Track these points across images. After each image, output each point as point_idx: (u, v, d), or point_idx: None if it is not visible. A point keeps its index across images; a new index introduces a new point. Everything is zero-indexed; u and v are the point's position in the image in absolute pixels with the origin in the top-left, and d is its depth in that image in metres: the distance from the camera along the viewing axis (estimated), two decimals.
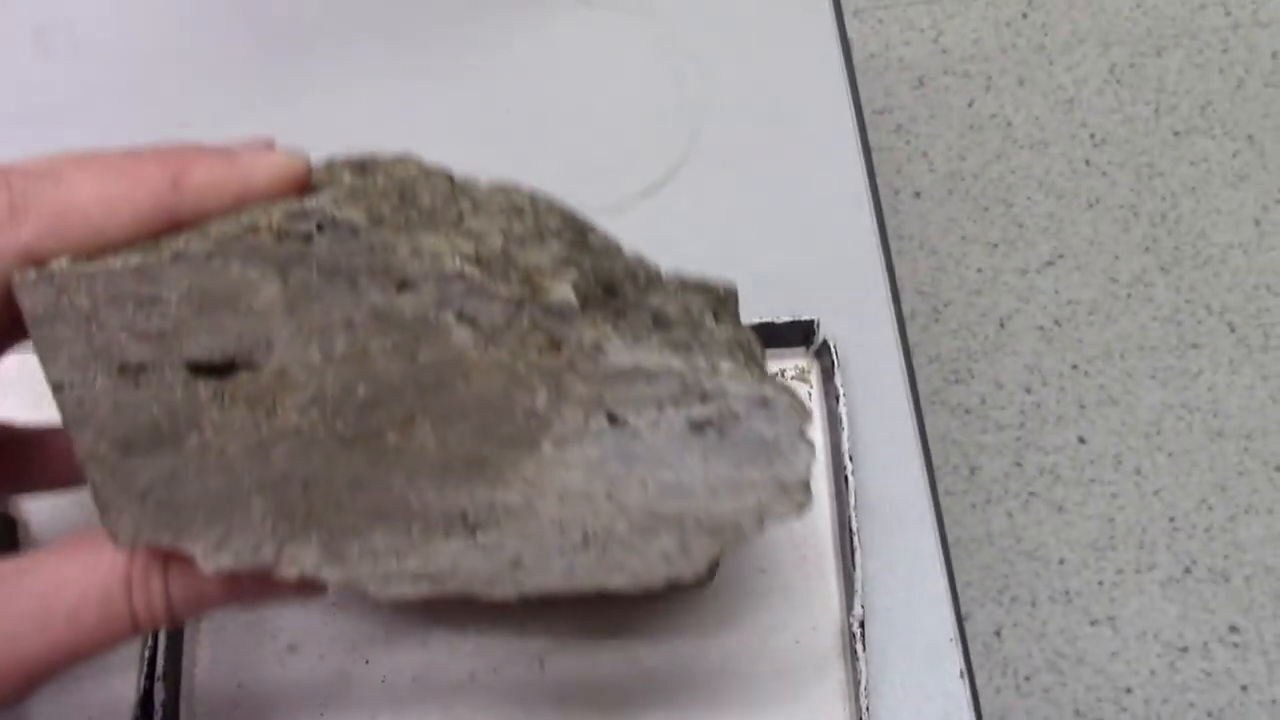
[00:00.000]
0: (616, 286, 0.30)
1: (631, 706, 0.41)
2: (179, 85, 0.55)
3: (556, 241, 0.29)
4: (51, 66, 0.55)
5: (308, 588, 0.29)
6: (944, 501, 1.14)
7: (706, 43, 0.54)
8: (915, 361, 1.26)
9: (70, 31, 0.56)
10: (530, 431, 0.28)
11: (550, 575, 0.30)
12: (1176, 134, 1.29)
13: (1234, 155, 1.28)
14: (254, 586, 0.28)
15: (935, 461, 1.18)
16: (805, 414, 0.29)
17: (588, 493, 0.29)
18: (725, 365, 0.28)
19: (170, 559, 0.27)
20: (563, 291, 0.27)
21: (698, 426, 0.28)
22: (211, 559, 0.28)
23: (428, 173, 0.30)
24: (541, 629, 0.42)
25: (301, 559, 0.29)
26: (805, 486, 0.30)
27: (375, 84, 0.54)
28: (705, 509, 0.30)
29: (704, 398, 0.28)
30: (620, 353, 0.27)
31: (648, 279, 0.32)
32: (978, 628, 1.11)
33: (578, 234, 0.31)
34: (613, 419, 0.28)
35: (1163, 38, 1.34)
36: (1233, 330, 1.21)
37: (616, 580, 0.30)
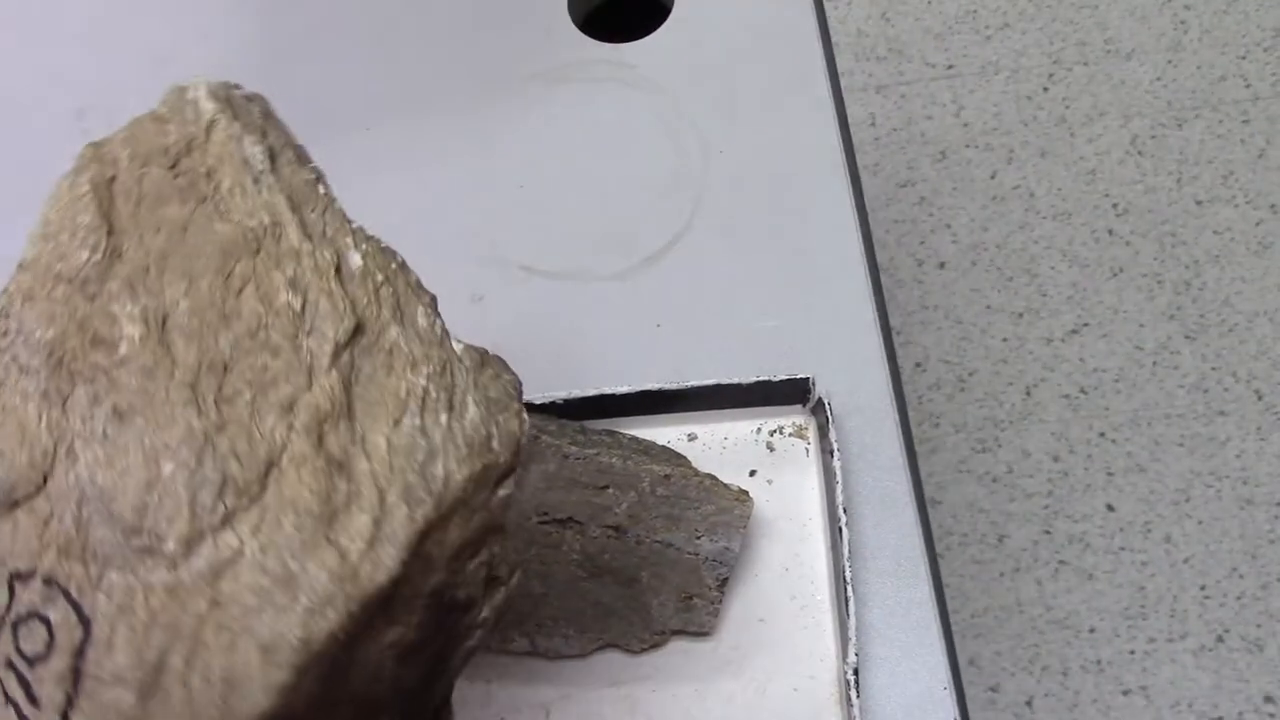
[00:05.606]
0: None
1: None
2: None
3: None
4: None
5: None
6: (972, 570, 1.14)
7: (711, 119, 0.56)
8: (941, 430, 1.27)
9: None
10: None
11: None
12: (1199, 203, 1.30)
13: (1257, 224, 1.28)
14: None
15: (963, 530, 1.18)
16: None
17: None
18: None
19: None
20: None
21: None
22: None
23: None
24: (548, 680, 0.43)
25: None
26: None
27: (391, 159, 0.57)
28: None
29: None
30: None
31: None
32: (1009, 698, 1.10)
33: None
34: None
35: (1183, 109, 1.36)
36: (1260, 398, 1.21)
37: None
